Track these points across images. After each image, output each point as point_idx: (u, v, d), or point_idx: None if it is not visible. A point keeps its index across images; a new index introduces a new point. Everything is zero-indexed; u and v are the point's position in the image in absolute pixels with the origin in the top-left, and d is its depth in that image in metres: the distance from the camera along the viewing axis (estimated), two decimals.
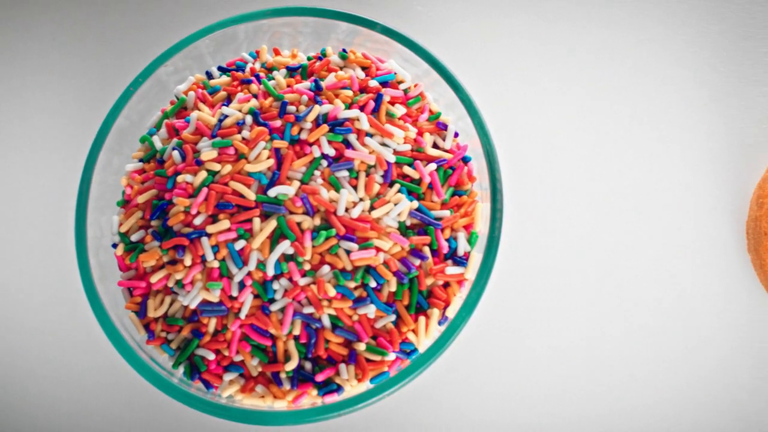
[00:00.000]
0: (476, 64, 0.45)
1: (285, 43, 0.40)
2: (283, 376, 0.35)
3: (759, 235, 0.41)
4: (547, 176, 0.44)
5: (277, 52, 0.40)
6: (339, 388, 0.35)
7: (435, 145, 0.38)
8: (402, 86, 0.38)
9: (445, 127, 0.38)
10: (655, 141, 0.44)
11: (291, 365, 0.34)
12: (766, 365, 0.42)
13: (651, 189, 0.44)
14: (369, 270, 0.35)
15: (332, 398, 0.35)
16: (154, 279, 0.36)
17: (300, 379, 0.35)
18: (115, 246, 0.38)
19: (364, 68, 0.39)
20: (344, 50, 0.39)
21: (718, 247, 0.43)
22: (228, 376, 0.35)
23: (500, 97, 0.45)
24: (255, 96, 0.38)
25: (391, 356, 0.35)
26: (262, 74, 0.39)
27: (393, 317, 0.35)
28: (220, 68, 0.40)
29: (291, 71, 0.39)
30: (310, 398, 0.35)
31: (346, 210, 0.35)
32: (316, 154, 0.36)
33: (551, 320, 0.43)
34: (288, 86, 0.38)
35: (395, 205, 0.36)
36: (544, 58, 0.45)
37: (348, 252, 0.35)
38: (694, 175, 0.44)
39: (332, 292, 0.34)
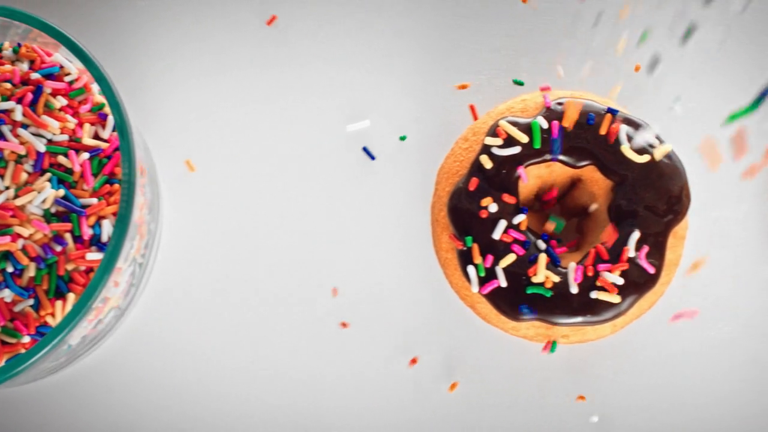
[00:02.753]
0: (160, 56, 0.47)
1: None
2: None
3: (432, 222, 0.42)
4: (221, 170, 0.45)
5: None
6: None
7: (96, 136, 0.39)
8: (68, 78, 0.40)
9: (105, 117, 0.39)
10: (362, 125, 0.46)
11: None
12: (452, 353, 0.43)
13: (343, 175, 0.45)
14: (8, 255, 0.36)
15: None
16: None
17: None
18: None
19: (32, 62, 0.40)
20: (18, 44, 0.41)
21: (413, 233, 0.44)
22: None
23: (174, 90, 0.46)
24: None
25: (26, 339, 0.36)
26: None
27: (31, 301, 0.37)
28: None
29: None
30: None
31: None
32: None
33: (221, 312, 0.44)
34: None
35: (39, 193, 0.37)
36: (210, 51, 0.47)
37: None
38: (395, 161, 0.45)
39: None
